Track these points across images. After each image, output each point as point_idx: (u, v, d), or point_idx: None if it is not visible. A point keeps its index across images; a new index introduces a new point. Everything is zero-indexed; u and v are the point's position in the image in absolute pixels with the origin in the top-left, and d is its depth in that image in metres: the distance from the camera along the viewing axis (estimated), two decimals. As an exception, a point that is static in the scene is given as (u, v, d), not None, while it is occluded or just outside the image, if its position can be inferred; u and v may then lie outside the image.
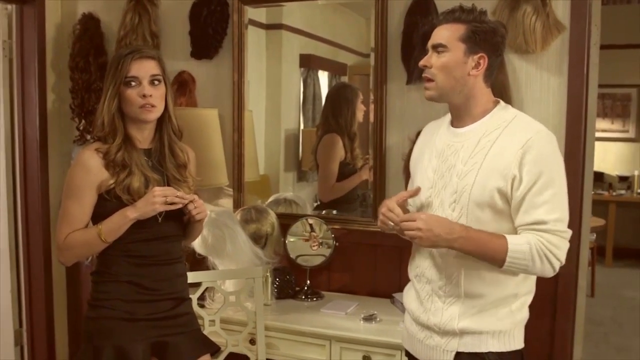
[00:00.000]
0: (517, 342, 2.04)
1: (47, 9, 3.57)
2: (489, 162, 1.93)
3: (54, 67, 3.66)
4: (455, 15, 1.96)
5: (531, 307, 2.07)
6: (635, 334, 5.21)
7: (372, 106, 3.12)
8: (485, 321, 1.99)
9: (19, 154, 3.58)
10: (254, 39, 3.41)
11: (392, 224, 2.01)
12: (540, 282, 2.08)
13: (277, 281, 3.11)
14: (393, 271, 3.04)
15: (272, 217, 3.18)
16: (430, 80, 2.01)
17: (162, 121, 2.29)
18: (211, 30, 3.36)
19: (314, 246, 3.13)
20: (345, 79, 3.46)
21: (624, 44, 6.87)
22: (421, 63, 2.02)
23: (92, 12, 3.61)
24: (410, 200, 2.14)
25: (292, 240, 3.16)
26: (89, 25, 3.57)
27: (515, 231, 1.94)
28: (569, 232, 1.94)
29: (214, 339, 2.49)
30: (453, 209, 1.98)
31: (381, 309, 2.91)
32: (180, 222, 2.31)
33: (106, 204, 2.17)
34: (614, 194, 7.66)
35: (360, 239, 3.16)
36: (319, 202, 3.42)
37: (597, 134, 2.93)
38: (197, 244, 2.90)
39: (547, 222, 1.89)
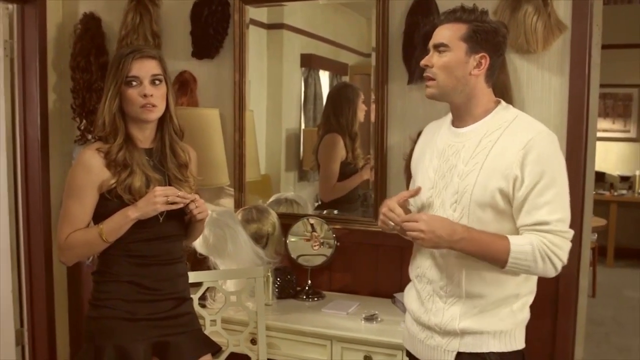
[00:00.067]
0: (518, 343, 2.04)
1: (48, 9, 3.57)
2: (490, 163, 1.93)
3: (55, 67, 3.66)
4: (456, 15, 1.96)
5: (532, 307, 2.07)
6: (636, 334, 5.20)
7: (373, 106, 3.12)
8: (486, 321, 1.99)
9: (20, 154, 3.58)
10: (255, 38, 3.41)
11: (392, 224, 2.00)
12: (542, 282, 2.07)
13: (278, 281, 3.11)
14: (394, 271, 3.04)
15: (273, 216, 3.18)
16: (431, 79, 2.01)
17: (164, 121, 2.29)
18: (212, 30, 3.36)
19: (315, 246, 3.13)
20: (346, 78, 3.46)
21: (625, 43, 6.86)
22: (422, 62, 2.02)
23: (93, 12, 3.61)
24: (411, 200, 2.14)
25: (293, 240, 3.16)
26: (90, 25, 3.57)
27: (516, 231, 1.94)
28: (571, 232, 1.93)
29: (215, 338, 2.49)
30: (454, 209, 1.97)
31: (382, 309, 2.91)
32: (181, 221, 2.31)
33: (107, 204, 2.17)
34: (615, 194, 7.66)
35: (361, 239, 3.16)
36: (320, 202, 3.42)
37: (599, 134, 2.92)
38: (198, 244, 2.90)
39: (549, 223, 1.88)
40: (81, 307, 3.75)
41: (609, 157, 7.90)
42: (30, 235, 3.61)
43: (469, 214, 1.95)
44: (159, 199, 2.13)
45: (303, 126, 3.53)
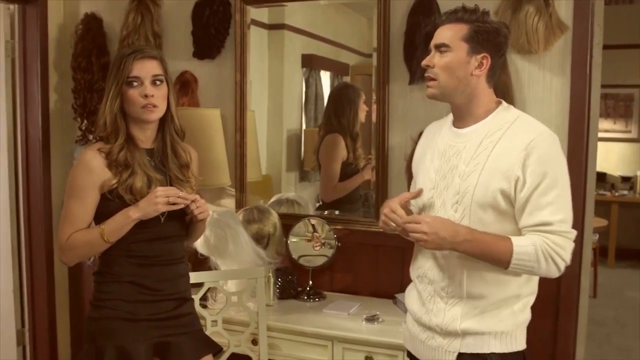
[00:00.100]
0: (519, 343, 2.03)
1: (49, 9, 3.57)
2: (492, 163, 1.93)
3: (57, 67, 3.66)
4: (458, 15, 1.96)
5: (534, 307, 2.07)
6: (637, 334, 5.20)
7: (374, 106, 3.12)
8: (487, 322, 1.98)
9: (21, 154, 3.59)
10: (256, 39, 3.41)
11: (394, 225, 2.00)
12: (543, 282, 2.07)
13: (280, 281, 3.11)
14: (395, 272, 3.04)
15: (275, 217, 3.18)
16: (432, 79, 2.01)
17: (165, 121, 2.29)
18: (213, 30, 3.36)
19: (316, 246, 3.13)
20: (347, 79, 3.46)
21: (626, 44, 6.85)
22: (424, 63, 2.01)
23: (94, 12, 3.61)
24: (412, 201, 2.13)
25: (294, 240, 3.16)
26: (92, 25, 3.58)
27: (518, 232, 1.94)
28: (574, 233, 1.93)
29: (216, 339, 2.49)
30: (455, 210, 1.97)
31: (383, 309, 2.91)
32: (182, 222, 2.31)
33: (109, 204, 2.17)
34: (617, 194, 7.66)
35: (362, 240, 3.16)
36: (321, 203, 3.41)
37: (600, 134, 2.92)
38: (199, 244, 2.90)
39: (552, 224, 1.88)
40: (82, 308, 3.75)
41: (610, 157, 7.90)
42: (32, 236, 3.62)
43: (470, 215, 1.94)
44: (160, 199, 2.13)
45: (304, 126, 3.53)
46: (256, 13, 3.38)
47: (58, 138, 3.68)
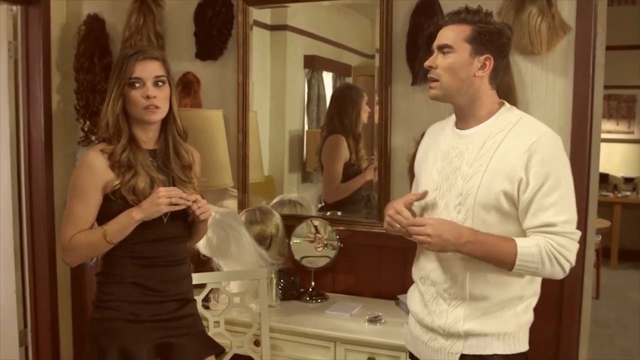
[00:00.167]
0: (522, 345, 2.03)
1: (52, 10, 3.58)
2: (495, 165, 1.92)
3: (59, 68, 3.67)
4: (461, 16, 1.96)
5: (537, 309, 2.06)
6: (640, 336, 5.20)
7: (376, 107, 3.11)
8: (490, 323, 1.98)
9: (23, 155, 3.59)
10: (259, 40, 3.41)
11: (398, 226, 2.00)
12: (546, 283, 2.07)
13: (282, 282, 3.11)
14: (398, 273, 3.04)
15: (277, 218, 3.18)
16: (435, 80, 2.00)
17: (167, 122, 2.29)
18: (216, 31, 3.36)
19: (318, 247, 3.12)
20: (349, 80, 3.45)
21: (629, 45, 6.86)
22: (427, 64, 2.01)
23: (97, 13, 3.61)
24: (415, 202, 2.13)
25: (296, 241, 3.15)
26: (94, 26, 3.58)
27: (521, 233, 1.94)
28: (578, 234, 1.93)
29: (218, 340, 2.49)
30: (458, 211, 1.97)
31: (386, 310, 2.90)
32: (185, 222, 2.31)
33: (111, 205, 2.17)
34: (619, 195, 7.65)
35: (364, 241, 3.16)
36: (323, 204, 3.41)
37: (602, 135, 2.92)
38: (201, 245, 2.90)
39: (556, 225, 1.88)
40: (85, 308, 3.76)
41: (612, 158, 7.89)
42: (34, 236, 3.62)
43: (473, 216, 1.94)
44: (163, 199, 2.13)
45: (306, 127, 3.53)
46: (258, 14, 3.38)
47: (60, 139, 3.68)
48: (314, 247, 3.13)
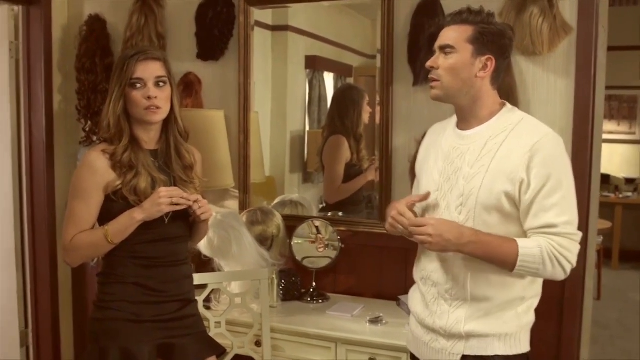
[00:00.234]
0: (523, 346, 2.03)
1: (53, 10, 3.57)
2: (496, 165, 1.92)
3: (61, 68, 3.67)
4: (463, 16, 1.96)
5: (538, 310, 2.06)
6: (641, 337, 5.19)
7: (378, 108, 3.11)
8: (491, 324, 1.98)
9: (25, 155, 3.59)
10: (260, 40, 3.41)
11: (401, 227, 2.00)
12: (547, 284, 2.07)
13: (283, 283, 3.10)
14: (399, 273, 3.03)
15: (278, 218, 3.18)
16: (435, 80, 2.00)
17: (168, 122, 2.29)
18: (217, 31, 3.36)
19: (320, 248, 3.12)
20: (350, 80, 3.45)
21: (631, 45, 6.85)
22: (428, 64, 2.01)
23: (98, 14, 3.61)
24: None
25: (298, 242, 3.15)
26: (96, 26, 3.58)
27: (523, 234, 1.94)
28: (579, 235, 1.93)
29: (219, 340, 2.49)
30: (460, 212, 1.97)
31: (387, 311, 2.90)
32: (186, 223, 2.30)
33: (113, 205, 2.17)
34: (621, 196, 7.63)
35: (366, 241, 3.16)
36: (324, 204, 3.41)
37: (604, 136, 2.92)
38: (203, 246, 2.90)
39: (557, 225, 1.88)
40: (86, 309, 3.76)
41: (614, 159, 7.88)
42: (35, 237, 3.62)
43: (474, 217, 1.94)
44: (164, 200, 2.13)
45: (307, 128, 3.53)
46: (260, 14, 3.38)
47: (62, 139, 3.68)
48: (315, 247, 3.13)
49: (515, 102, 2.49)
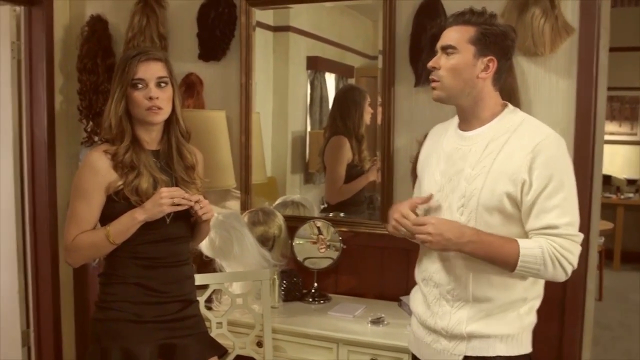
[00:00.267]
0: (525, 347, 2.03)
1: (55, 11, 3.58)
2: (498, 166, 1.92)
3: (62, 69, 3.67)
4: (465, 17, 1.95)
5: (540, 311, 2.06)
6: (643, 338, 5.19)
7: (379, 108, 3.11)
8: (493, 325, 1.98)
9: (26, 156, 3.59)
10: (262, 41, 3.41)
11: (404, 230, 1.99)
12: (549, 285, 2.07)
13: (285, 284, 3.10)
14: (400, 274, 3.03)
15: (280, 219, 3.18)
16: (435, 81, 2.00)
17: (170, 123, 2.28)
18: (219, 32, 3.36)
19: (321, 249, 3.12)
20: (352, 81, 3.45)
21: (632, 46, 6.84)
22: (430, 64, 2.01)
23: (100, 14, 3.61)
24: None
25: (299, 242, 3.15)
26: (97, 27, 3.58)
27: (524, 236, 1.93)
28: (581, 236, 1.93)
29: (221, 341, 2.49)
30: (461, 213, 1.97)
31: (388, 312, 2.90)
32: (188, 223, 2.30)
33: (114, 206, 2.17)
34: (622, 197, 7.62)
35: (367, 242, 3.16)
36: (326, 205, 3.41)
37: (605, 137, 2.91)
38: (204, 246, 2.90)
39: (559, 227, 1.88)
40: (87, 309, 3.76)
41: (615, 160, 7.87)
42: (37, 237, 3.62)
43: (476, 218, 1.94)
44: (165, 200, 2.13)
45: (309, 128, 3.53)
46: (261, 15, 3.39)
47: (63, 139, 3.68)
48: (316, 248, 3.13)
49: (516, 103, 2.49)
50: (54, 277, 3.64)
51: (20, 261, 3.63)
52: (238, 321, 2.91)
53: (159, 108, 2.19)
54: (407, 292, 2.37)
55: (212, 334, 2.62)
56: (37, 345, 3.68)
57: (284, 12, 3.44)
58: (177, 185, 2.26)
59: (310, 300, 3.11)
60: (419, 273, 2.17)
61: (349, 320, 2.87)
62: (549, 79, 2.81)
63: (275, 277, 3.02)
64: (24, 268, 3.65)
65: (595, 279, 2.99)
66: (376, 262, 3.17)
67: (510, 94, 2.62)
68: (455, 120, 2.12)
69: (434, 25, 2.81)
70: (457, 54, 1.94)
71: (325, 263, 3.13)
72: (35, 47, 3.54)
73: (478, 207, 1.93)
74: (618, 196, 7.62)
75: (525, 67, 2.83)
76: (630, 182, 7.87)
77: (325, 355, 2.77)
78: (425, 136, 2.31)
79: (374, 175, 3.20)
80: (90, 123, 3.59)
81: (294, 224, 3.19)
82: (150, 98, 2.17)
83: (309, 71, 3.49)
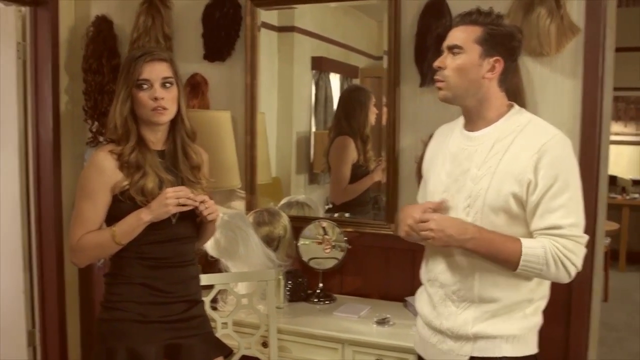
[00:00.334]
0: (531, 347, 2.03)
1: (60, 11, 3.58)
2: (504, 167, 1.92)
3: (67, 69, 3.67)
4: (472, 17, 1.95)
5: (546, 311, 2.06)
6: (649, 338, 5.18)
7: (384, 109, 3.11)
8: (499, 326, 1.97)
9: (32, 156, 3.60)
10: (266, 41, 3.42)
11: (417, 235, 1.99)
12: (555, 286, 2.06)
13: (290, 284, 3.10)
14: (406, 274, 3.03)
15: (285, 219, 3.18)
16: (440, 81, 2.00)
17: (175, 123, 2.29)
18: (224, 32, 3.36)
19: (326, 249, 3.12)
20: (356, 81, 3.46)
21: (638, 46, 6.82)
22: (436, 64, 2.01)
23: (105, 15, 3.62)
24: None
25: (304, 243, 3.15)
26: (102, 27, 3.59)
27: (529, 236, 1.93)
28: (585, 237, 1.92)
29: (226, 341, 2.48)
30: (467, 213, 1.96)
31: (394, 312, 2.90)
32: (194, 223, 2.30)
33: (120, 206, 2.18)
34: (628, 197, 7.61)
35: (372, 242, 3.16)
36: (331, 205, 3.41)
37: (611, 137, 2.91)
38: (209, 247, 2.90)
39: (563, 227, 1.87)
40: (93, 309, 3.76)
41: (620, 160, 7.85)
42: (42, 237, 3.63)
43: (482, 218, 1.93)
44: (171, 200, 2.13)
45: (314, 129, 3.53)
46: (266, 15, 3.39)
47: (69, 140, 3.69)
48: (321, 248, 3.13)
49: (522, 103, 2.48)
50: (60, 277, 3.65)
51: (26, 261, 3.64)
52: (243, 321, 2.91)
53: (164, 108, 2.19)
54: (413, 293, 2.37)
55: (218, 334, 2.62)
56: (42, 346, 3.68)
57: (289, 13, 3.44)
58: (182, 185, 2.25)
59: (316, 300, 3.11)
60: (424, 274, 2.16)
61: (354, 321, 2.86)
62: (555, 79, 2.81)
63: (281, 277, 3.02)
64: (29, 268, 3.66)
65: (601, 280, 2.98)
66: (381, 262, 3.17)
67: (515, 94, 2.61)
68: (461, 120, 2.11)
69: (440, 26, 2.81)
70: (464, 54, 1.94)
71: (330, 263, 3.12)
72: (41, 48, 3.54)
73: (484, 208, 1.93)
74: (623, 197, 7.61)
75: (530, 67, 2.82)
76: (636, 182, 7.85)
77: (331, 356, 2.77)
78: (431, 136, 2.31)
79: (379, 176, 3.20)
80: (96, 123, 3.59)
81: (299, 224, 3.19)
82: (156, 98, 2.17)
83: (314, 71, 3.49)
